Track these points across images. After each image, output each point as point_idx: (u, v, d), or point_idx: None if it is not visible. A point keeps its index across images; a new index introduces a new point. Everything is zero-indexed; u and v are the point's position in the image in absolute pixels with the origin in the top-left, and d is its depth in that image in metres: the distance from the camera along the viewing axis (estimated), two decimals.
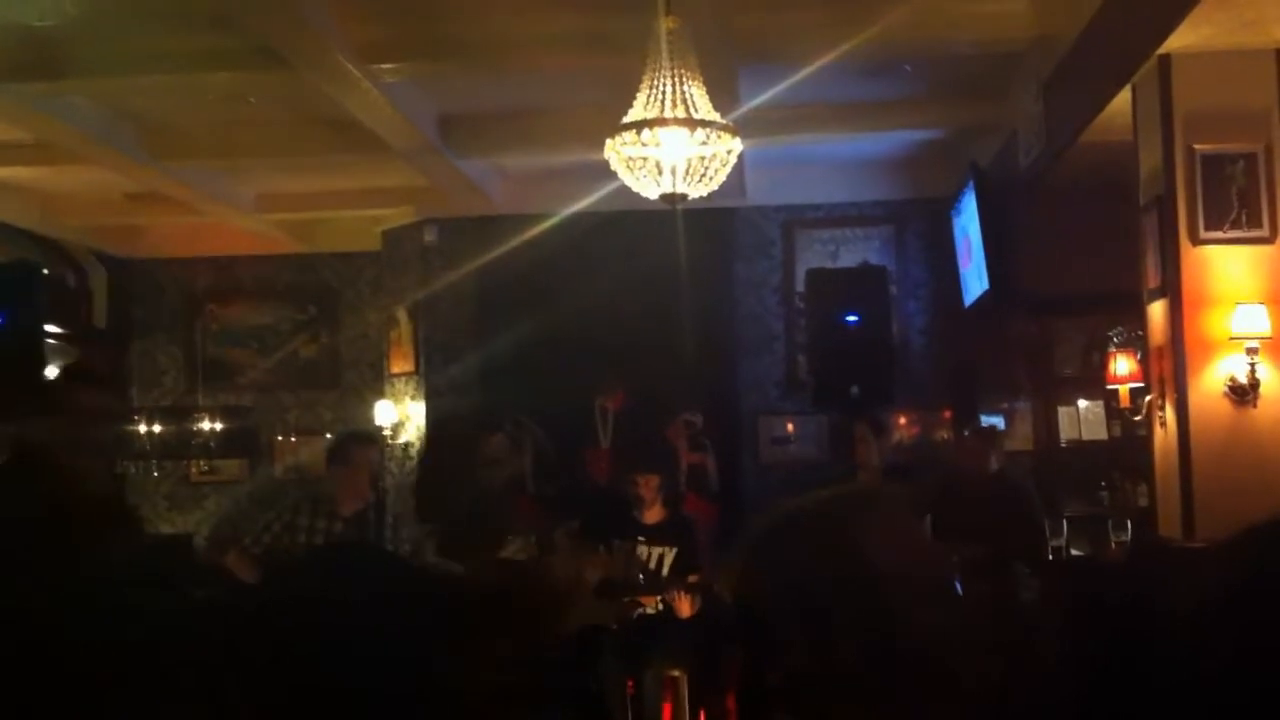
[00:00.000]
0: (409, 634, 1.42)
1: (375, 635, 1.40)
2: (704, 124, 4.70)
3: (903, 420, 8.66)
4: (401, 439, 9.08)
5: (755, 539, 1.35)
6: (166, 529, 9.71)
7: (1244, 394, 4.88)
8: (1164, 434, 5.15)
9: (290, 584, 1.50)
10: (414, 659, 1.42)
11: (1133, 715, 1.24)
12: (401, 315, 9.24)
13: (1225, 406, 4.90)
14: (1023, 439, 8.09)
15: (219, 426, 9.01)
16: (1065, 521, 7.15)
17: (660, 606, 6.02)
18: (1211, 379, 4.92)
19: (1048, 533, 6.61)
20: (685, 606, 5.95)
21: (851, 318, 6.96)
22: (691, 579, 6.04)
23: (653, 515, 6.32)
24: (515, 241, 8.28)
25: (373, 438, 6.57)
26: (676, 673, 5.75)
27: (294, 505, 5.46)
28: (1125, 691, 1.29)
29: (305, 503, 5.45)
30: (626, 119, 4.75)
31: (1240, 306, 4.88)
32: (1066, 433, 7.95)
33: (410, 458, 9.05)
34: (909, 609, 1.25)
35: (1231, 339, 4.89)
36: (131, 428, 8.93)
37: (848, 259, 8.71)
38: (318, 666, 1.37)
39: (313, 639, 1.39)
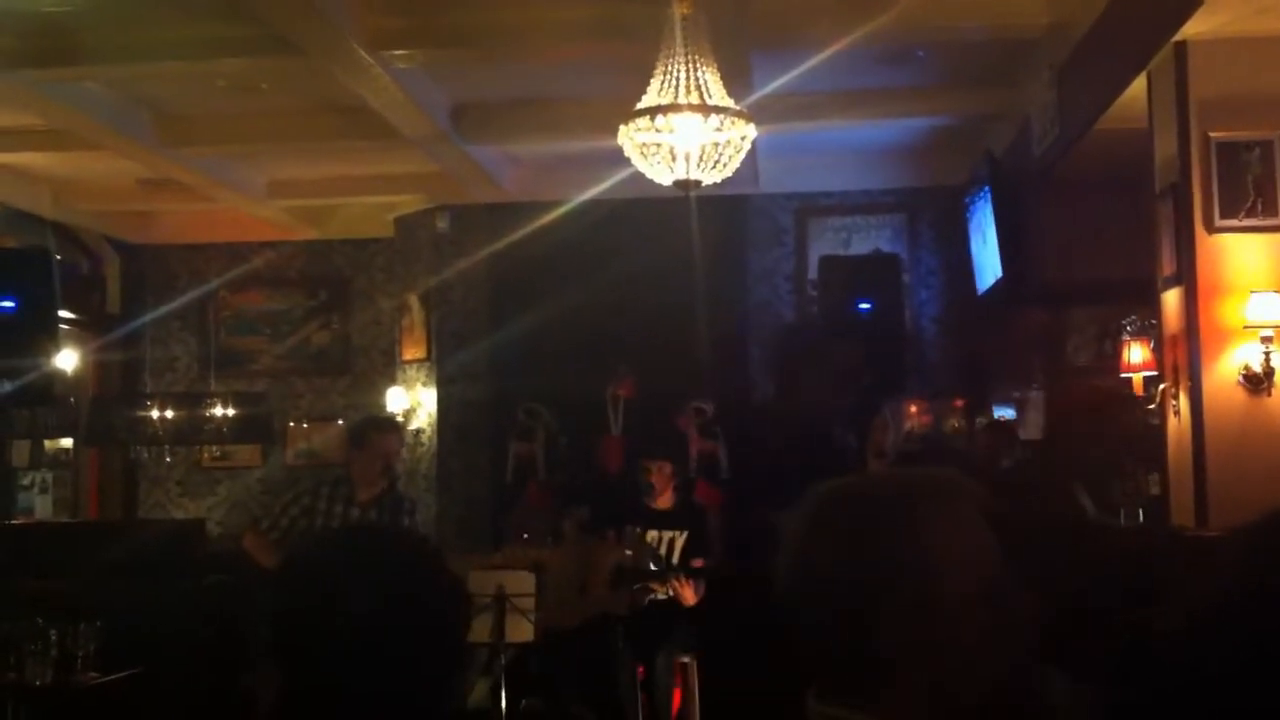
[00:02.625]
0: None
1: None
2: (718, 110, 4.69)
3: (914, 408, 8.65)
4: (413, 425, 9.10)
5: (807, 516, 1.33)
6: (179, 514, 9.75)
7: (1258, 383, 4.86)
8: (1177, 423, 5.13)
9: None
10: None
11: (1149, 704, 1.23)
12: (414, 302, 9.25)
13: (1239, 395, 4.88)
14: (1034, 427, 8.07)
15: (231, 412, 9.03)
16: None
17: (670, 593, 6.03)
18: (1226, 367, 4.90)
19: None
20: (689, 594, 5.96)
21: (864, 305, 6.96)
22: (695, 563, 6.05)
23: (664, 501, 6.34)
24: (527, 228, 8.28)
25: (391, 423, 6.57)
26: (687, 659, 5.76)
27: (313, 489, 5.49)
28: (1140, 679, 1.29)
29: (325, 487, 5.48)
30: (640, 105, 4.74)
31: (1255, 295, 4.86)
32: None
33: (421, 444, 9.07)
34: (959, 606, 1.23)
35: (1246, 327, 4.86)
36: (144, 413, 8.96)
37: (860, 247, 8.69)
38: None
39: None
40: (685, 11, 4.75)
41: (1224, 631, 1.07)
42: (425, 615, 1.45)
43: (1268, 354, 4.83)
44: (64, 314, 8.03)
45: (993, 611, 1.24)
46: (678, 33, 4.74)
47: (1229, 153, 4.92)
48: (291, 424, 9.85)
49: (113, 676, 5.05)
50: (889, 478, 1.40)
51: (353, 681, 1.38)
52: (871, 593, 1.24)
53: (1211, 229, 4.94)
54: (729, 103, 4.79)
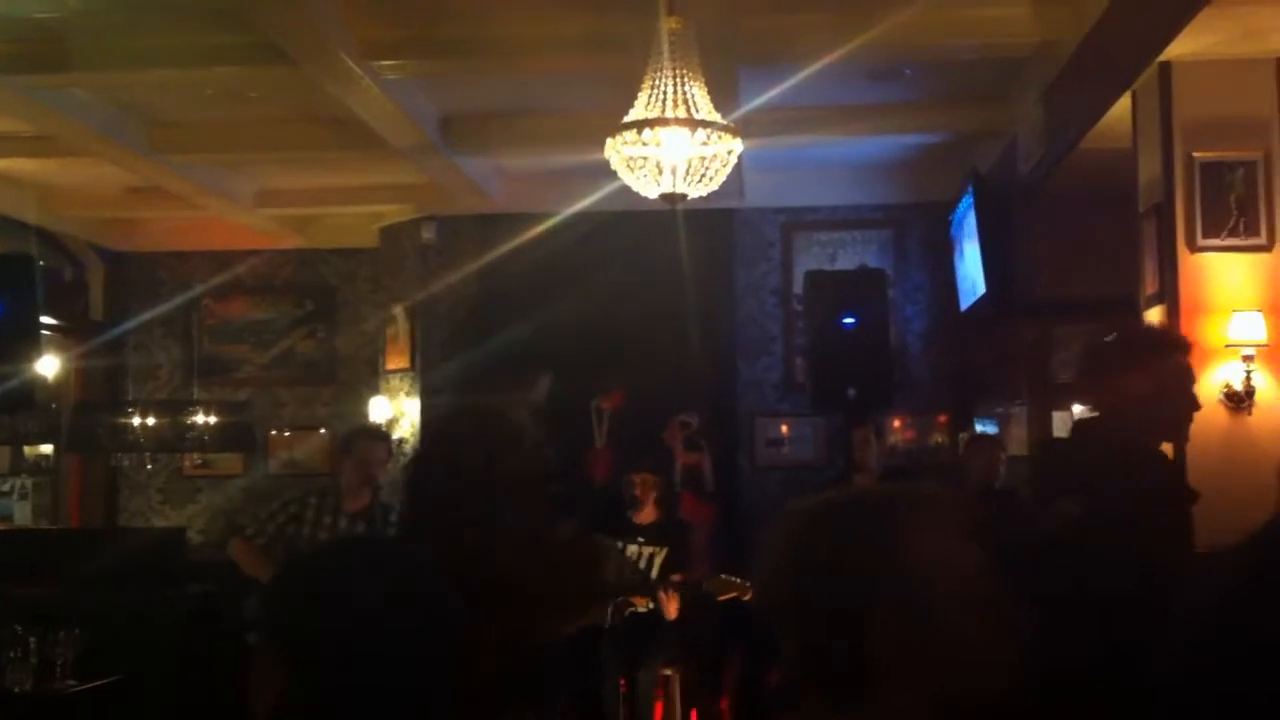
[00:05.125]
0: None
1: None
2: (705, 124, 4.71)
3: (899, 423, 8.67)
4: (395, 435, 9.08)
5: (792, 529, 1.33)
6: (160, 523, 9.70)
7: (1239, 401, 4.89)
8: None
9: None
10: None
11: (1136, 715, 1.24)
12: (399, 312, 9.24)
13: (1221, 414, 4.91)
14: (1018, 443, 8.09)
15: (214, 421, 9.01)
16: None
17: (650, 606, 6.03)
18: (1207, 386, 4.92)
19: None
20: (673, 608, 5.95)
21: (849, 320, 6.95)
22: (675, 578, 6.05)
23: (646, 516, 6.34)
24: (514, 240, 8.28)
25: (378, 432, 6.56)
26: (669, 671, 5.76)
27: (301, 498, 5.47)
28: (1128, 695, 1.29)
29: (313, 496, 5.46)
30: (628, 118, 4.76)
31: (1237, 314, 4.90)
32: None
33: (404, 454, 9.05)
34: (944, 620, 1.23)
35: (1228, 346, 4.90)
36: (126, 420, 8.94)
37: (846, 262, 8.71)
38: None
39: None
40: (674, 26, 4.76)
41: (1223, 642, 1.07)
42: (429, 623, 1.47)
43: (1249, 373, 4.86)
44: (46, 320, 8.00)
45: (979, 624, 1.24)
46: (665, 47, 4.75)
47: (1212, 173, 4.97)
48: (274, 433, 9.82)
49: (92, 684, 5.02)
50: (873, 492, 1.42)
51: (358, 686, 1.39)
52: (856, 606, 1.24)
53: (1194, 248, 4.98)
54: (716, 117, 4.81)
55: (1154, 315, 5.21)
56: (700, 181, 4.85)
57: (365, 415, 9.10)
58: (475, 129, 7.50)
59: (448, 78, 6.69)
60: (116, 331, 9.92)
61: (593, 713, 5.96)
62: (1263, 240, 4.97)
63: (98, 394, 9.77)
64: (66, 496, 9.74)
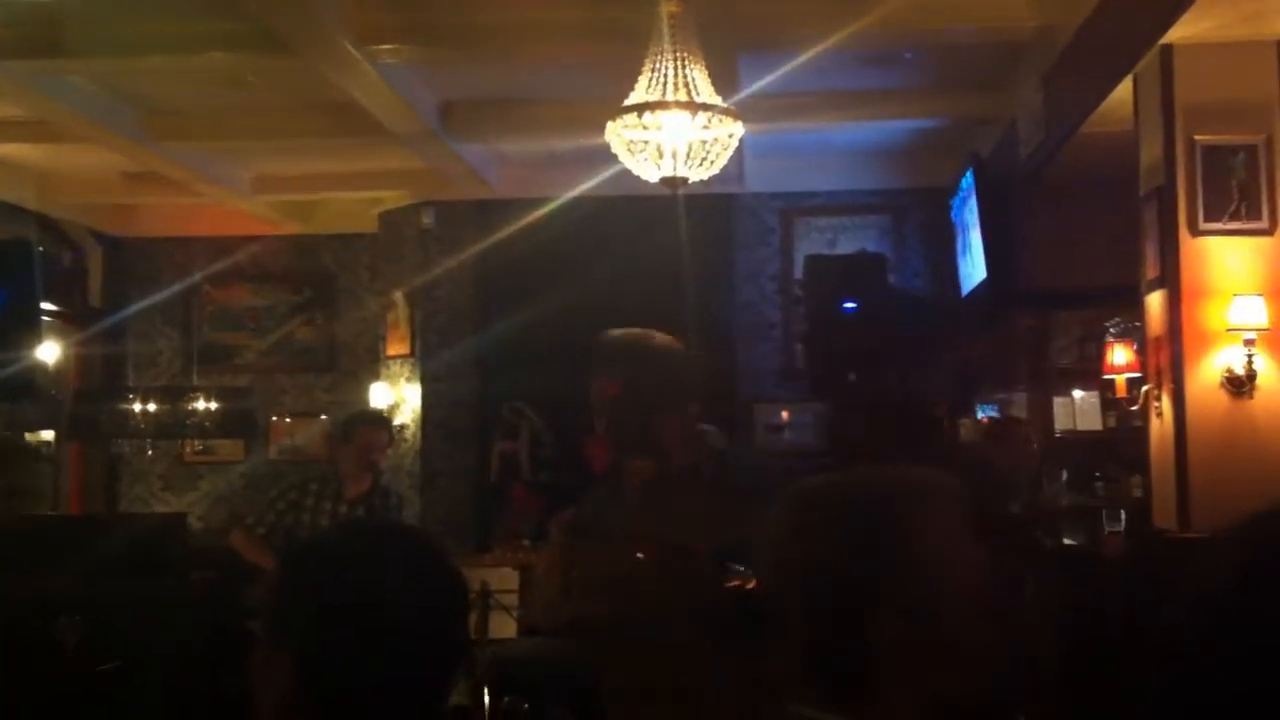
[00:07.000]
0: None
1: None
2: (705, 108, 4.70)
3: None
4: (396, 421, 9.08)
5: (791, 514, 1.32)
6: (161, 509, 9.71)
7: (1241, 386, 4.89)
8: (1160, 425, 5.16)
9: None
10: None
11: (1132, 708, 1.24)
12: (399, 298, 9.23)
13: (1222, 398, 4.91)
14: None
15: (214, 407, 9.00)
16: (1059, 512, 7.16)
17: None
18: (1209, 370, 4.93)
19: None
20: None
21: (849, 305, 6.95)
22: None
23: None
24: (513, 226, 8.27)
25: (378, 418, 6.55)
26: None
27: (301, 485, 5.48)
28: (1124, 682, 1.29)
29: (313, 483, 5.46)
30: (628, 102, 4.75)
31: (1238, 298, 4.89)
32: (1061, 423, 7.93)
33: (405, 440, 9.06)
34: (943, 605, 1.23)
35: (1229, 330, 4.89)
36: (126, 407, 8.94)
37: (846, 247, 8.69)
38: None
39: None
40: (674, 10, 4.75)
41: (1220, 633, 1.07)
42: (434, 608, 1.46)
43: (1250, 357, 4.85)
44: (46, 307, 7.99)
45: (977, 610, 1.24)
46: (665, 31, 4.74)
47: (1214, 156, 4.95)
48: (274, 419, 9.82)
49: (93, 670, 5.03)
50: (871, 476, 1.40)
51: (362, 673, 1.39)
52: (855, 591, 1.24)
53: (1196, 232, 4.97)
54: (717, 100, 4.80)
55: (1155, 299, 5.20)
56: (701, 165, 4.85)
57: (366, 401, 9.09)
58: (474, 115, 7.48)
59: (446, 64, 6.66)
60: (116, 318, 9.90)
61: (591, 700, 5.96)
62: (1264, 224, 4.95)
63: (98, 381, 9.77)
64: (67, 483, 9.74)
